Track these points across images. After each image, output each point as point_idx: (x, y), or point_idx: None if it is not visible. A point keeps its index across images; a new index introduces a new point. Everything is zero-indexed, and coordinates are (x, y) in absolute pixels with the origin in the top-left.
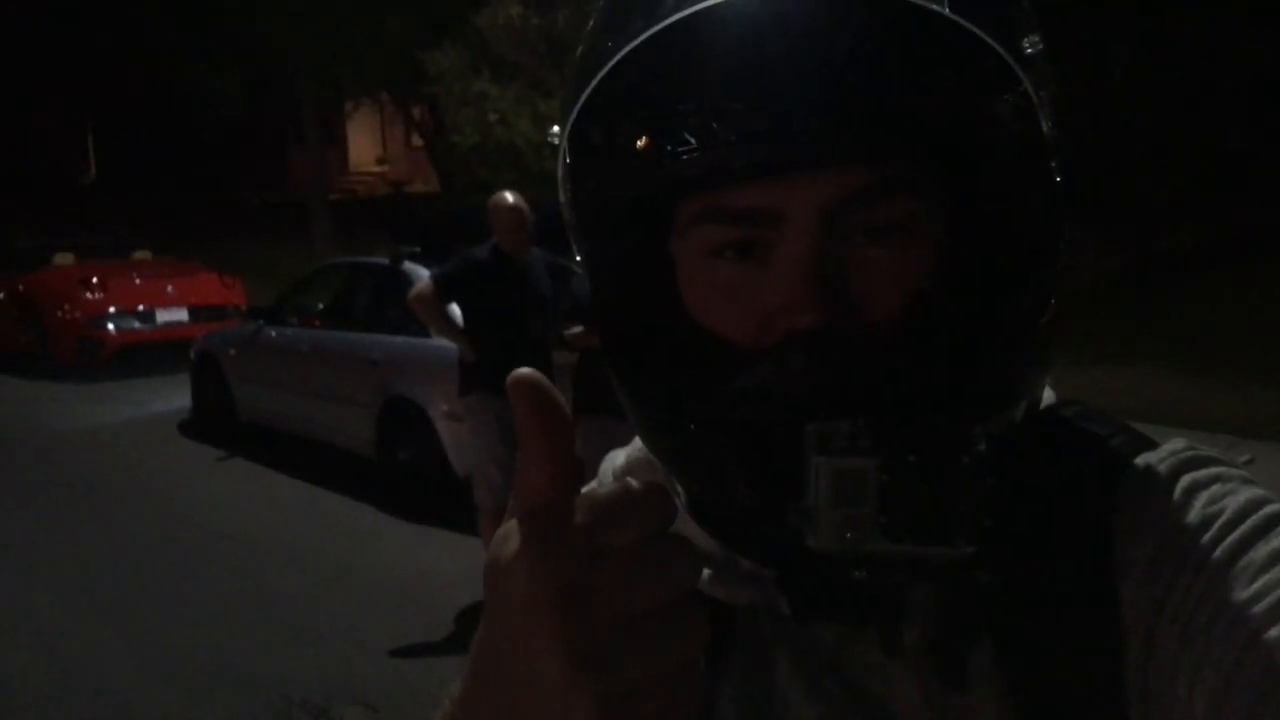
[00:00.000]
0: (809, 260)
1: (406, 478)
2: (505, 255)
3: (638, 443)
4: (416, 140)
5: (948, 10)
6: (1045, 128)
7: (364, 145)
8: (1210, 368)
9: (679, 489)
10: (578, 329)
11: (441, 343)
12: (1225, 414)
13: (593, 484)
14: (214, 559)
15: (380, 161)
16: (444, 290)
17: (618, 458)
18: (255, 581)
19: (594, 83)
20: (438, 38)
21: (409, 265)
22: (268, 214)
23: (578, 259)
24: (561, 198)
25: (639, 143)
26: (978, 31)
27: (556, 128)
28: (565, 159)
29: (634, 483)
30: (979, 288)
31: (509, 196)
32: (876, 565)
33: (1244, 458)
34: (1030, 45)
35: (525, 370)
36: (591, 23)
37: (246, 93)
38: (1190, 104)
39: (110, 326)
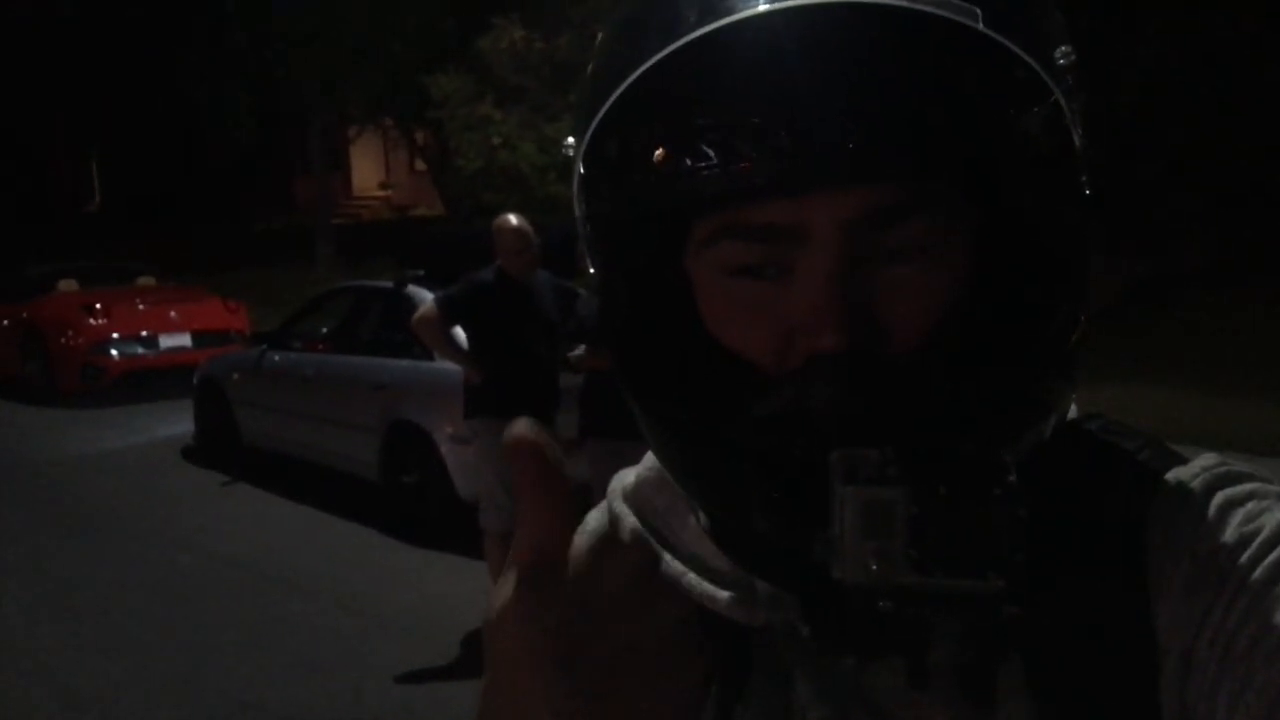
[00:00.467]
0: (833, 278)
1: (412, 502)
2: (510, 278)
3: (648, 460)
4: (420, 165)
5: (981, 25)
6: (1077, 142)
7: (368, 170)
8: (1222, 385)
9: (699, 510)
10: (582, 351)
11: (446, 366)
12: (1237, 431)
13: (598, 509)
14: (219, 586)
15: (384, 186)
16: (448, 313)
17: (627, 477)
18: (260, 608)
19: (614, 96)
20: (441, 62)
21: (413, 289)
22: (271, 239)
23: (591, 273)
24: (576, 211)
25: (658, 157)
26: (1012, 46)
27: (571, 139)
28: (580, 172)
29: (627, 521)
30: (1008, 307)
31: (513, 219)
32: (904, 597)
33: None
34: (1063, 57)
35: (522, 426)
36: (603, 36)
37: (252, 118)
38: (1201, 120)
39: (113, 352)
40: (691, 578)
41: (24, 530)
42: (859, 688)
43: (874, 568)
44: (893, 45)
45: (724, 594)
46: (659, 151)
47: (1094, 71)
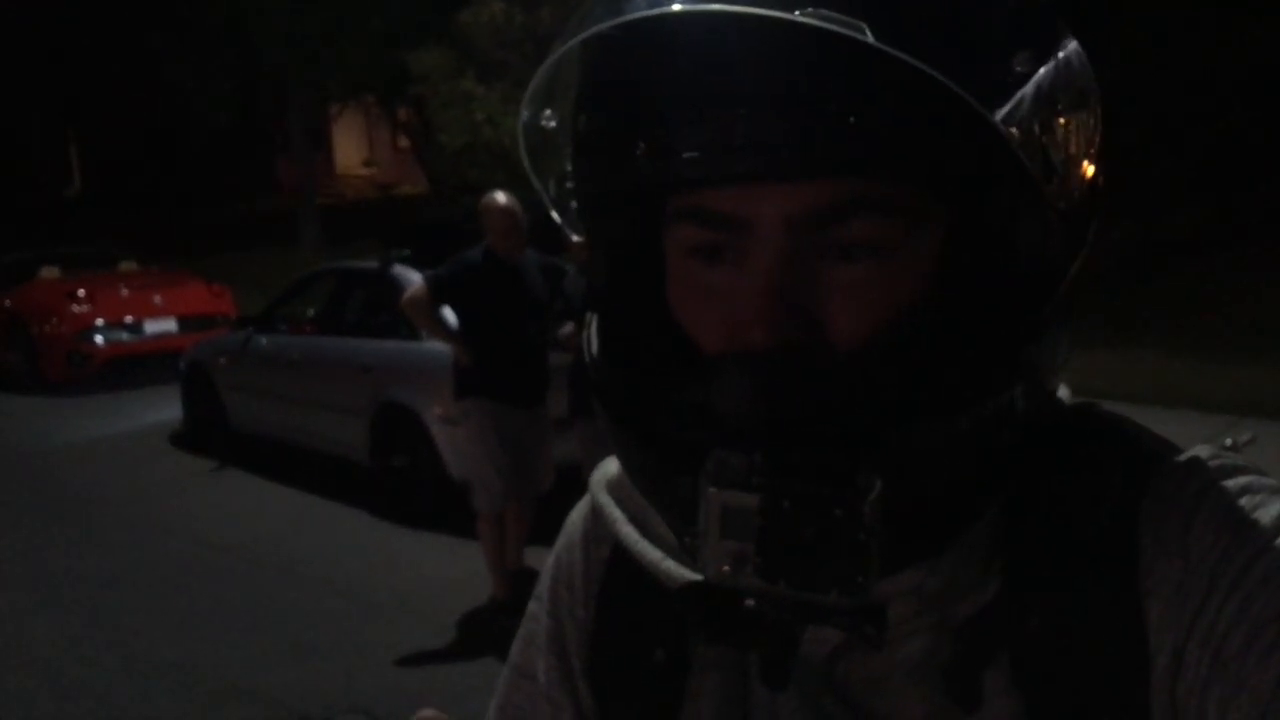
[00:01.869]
0: (770, 273)
1: (402, 484)
2: (498, 257)
3: None
4: (403, 142)
5: (869, 38)
6: (1025, 158)
7: (350, 148)
8: (1211, 349)
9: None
10: (570, 329)
11: (435, 346)
12: (1226, 394)
13: (582, 502)
14: (210, 572)
15: (367, 164)
16: (437, 293)
17: (609, 467)
18: (252, 593)
19: (552, 59)
20: (421, 38)
21: (399, 269)
22: (255, 221)
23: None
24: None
25: (618, 140)
26: (905, 58)
27: (548, 110)
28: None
29: (609, 512)
30: (947, 322)
31: (500, 198)
32: (763, 600)
33: (1245, 436)
34: (1021, 64)
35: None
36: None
37: (233, 99)
38: (1189, 88)
39: (98, 339)
40: (670, 565)
41: (12, 520)
42: (830, 679)
43: (726, 569)
44: (803, 54)
45: (700, 579)
46: (597, 132)
47: (1082, 43)
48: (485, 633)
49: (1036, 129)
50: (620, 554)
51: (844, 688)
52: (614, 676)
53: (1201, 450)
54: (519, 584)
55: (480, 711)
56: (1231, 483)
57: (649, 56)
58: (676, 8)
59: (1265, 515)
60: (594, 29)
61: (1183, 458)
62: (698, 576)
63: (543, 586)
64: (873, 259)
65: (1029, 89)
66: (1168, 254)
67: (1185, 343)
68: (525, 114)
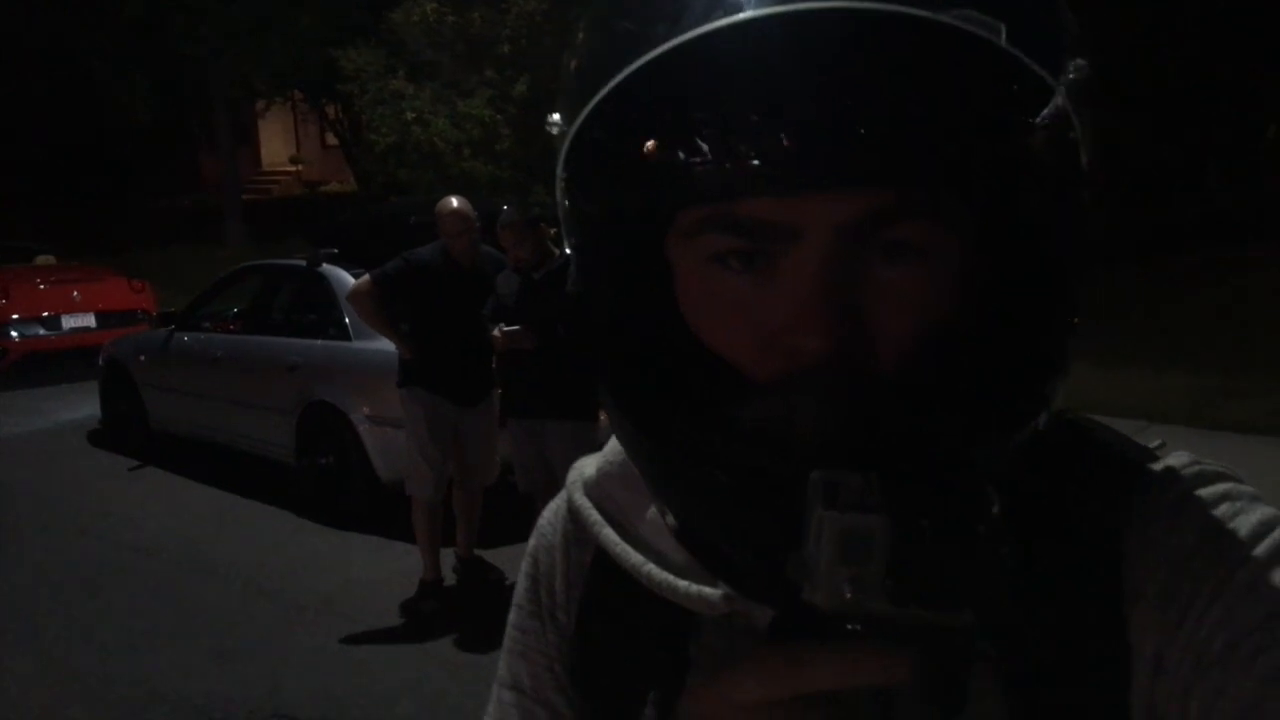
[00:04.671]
0: (820, 277)
1: (328, 485)
2: (452, 258)
3: (611, 448)
4: (331, 139)
5: (1004, 40)
6: (1083, 157)
7: (277, 144)
8: (1119, 355)
9: (668, 514)
10: (501, 330)
11: (363, 346)
12: (1134, 401)
13: (556, 501)
14: (129, 574)
15: (294, 161)
16: (382, 289)
17: (587, 468)
18: (172, 596)
19: (612, 83)
20: (351, 35)
21: (328, 268)
22: (178, 217)
23: (569, 252)
24: (557, 192)
25: (650, 149)
26: (1031, 63)
27: (557, 116)
28: (566, 154)
29: (586, 514)
30: (1003, 316)
31: (454, 201)
32: (874, 623)
33: (1155, 443)
34: (1075, 70)
35: None
36: (598, 12)
37: (153, 93)
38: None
39: (13, 334)
40: (652, 569)
41: None
42: None
43: (848, 595)
44: (904, 54)
45: (683, 584)
46: (654, 145)
47: None
48: (414, 632)
49: (1078, 132)
50: (604, 558)
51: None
52: (602, 679)
53: (1181, 457)
54: (469, 573)
55: (409, 713)
56: (1212, 490)
57: (717, 66)
58: (770, 10)
59: (1245, 522)
60: (695, 33)
61: (1164, 464)
62: (681, 583)
63: (521, 593)
64: (917, 261)
65: (1080, 95)
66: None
67: (1094, 349)
68: (566, 123)
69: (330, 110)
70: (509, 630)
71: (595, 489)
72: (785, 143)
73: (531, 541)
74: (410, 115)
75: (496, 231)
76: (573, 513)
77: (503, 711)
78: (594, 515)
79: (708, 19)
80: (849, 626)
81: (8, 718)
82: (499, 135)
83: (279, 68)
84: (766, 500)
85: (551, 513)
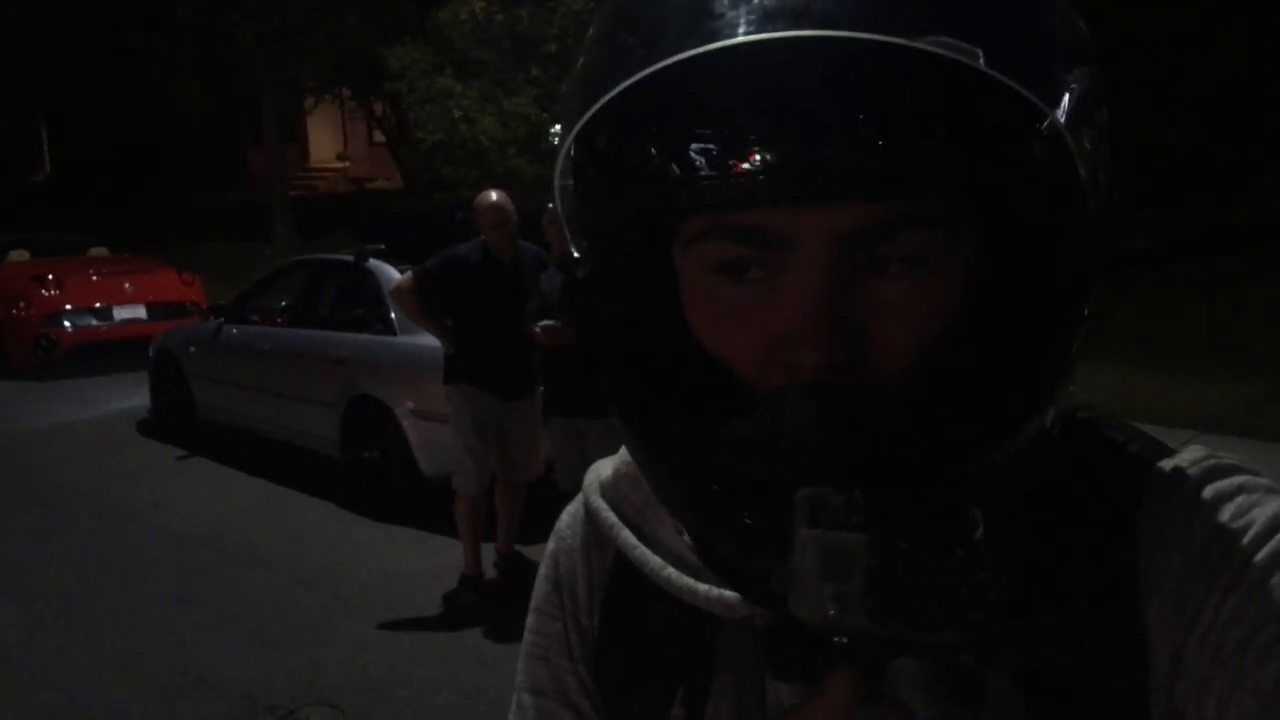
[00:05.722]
0: (818, 291)
1: (372, 478)
2: (491, 253)
3: (625, 452)
4: (378, 137)
5: (983, 64)
6: (1082, 170)
7: (324, 141)
8: (1169, 362)
9: (668, 514)
10: (546, 325)
11: (407, 341)
12: (1183, 408)
13: (574, 504)
14: (176, 561)
15: (341, 157)
16: (425, 286)
17: (604, 470)
18: (217, 584)
19: (614, 91)
20: (399, 33)
21: (374, 263)
22: (227, 211)
23: (575, 256)
24: (556, 198)
25: (650, 160)
26: (1012, 84)
27: (559, 126)
28: (568, 161)
29: (604, 517)
30: (997, 332)
31: (492, 195)
32: (859, 638)
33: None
34: (1077, 80)
35: None
36: (605, 21)
37: (207, 91)
38: (1144, 105)
39: (66, 324)
40: (671, 572)
41: None
42: None
43: (830, 611)
44: (887, 76)
45: (703, 587)
46: (652, 155)
47: None
48: (453, 624)
49: (1086, 143)
50: (624, 560)
51: None
52: (625, 682)
53: (1196, 450)
54: (509, 568)
55: (448, 703)
56: (1227, 482)
57: (717, 81)
58: (773, 35)
59: (1262, 514)
60: (698, 50)
61: (1178, 458)
62: (700, 587)
63: (541, 597)
64: (916, 273)
65: (1084, 103)
66: (1123, 269)
67: (1143, 356)
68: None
69: (377, 108)
70: (528, 635)
71: (612, 491)
72: (782, 154)
73: (550, 545)
74: (457, 113)
75: (544, 227)
76: (590, 516)
77: (524, 715)
78: (611, 518)
79: (697, 41)
80: (835, 639)
81: (58, 699)
82: (545, 133)
83: (327, 65)
84: (757, 512)
85: (570, 516)
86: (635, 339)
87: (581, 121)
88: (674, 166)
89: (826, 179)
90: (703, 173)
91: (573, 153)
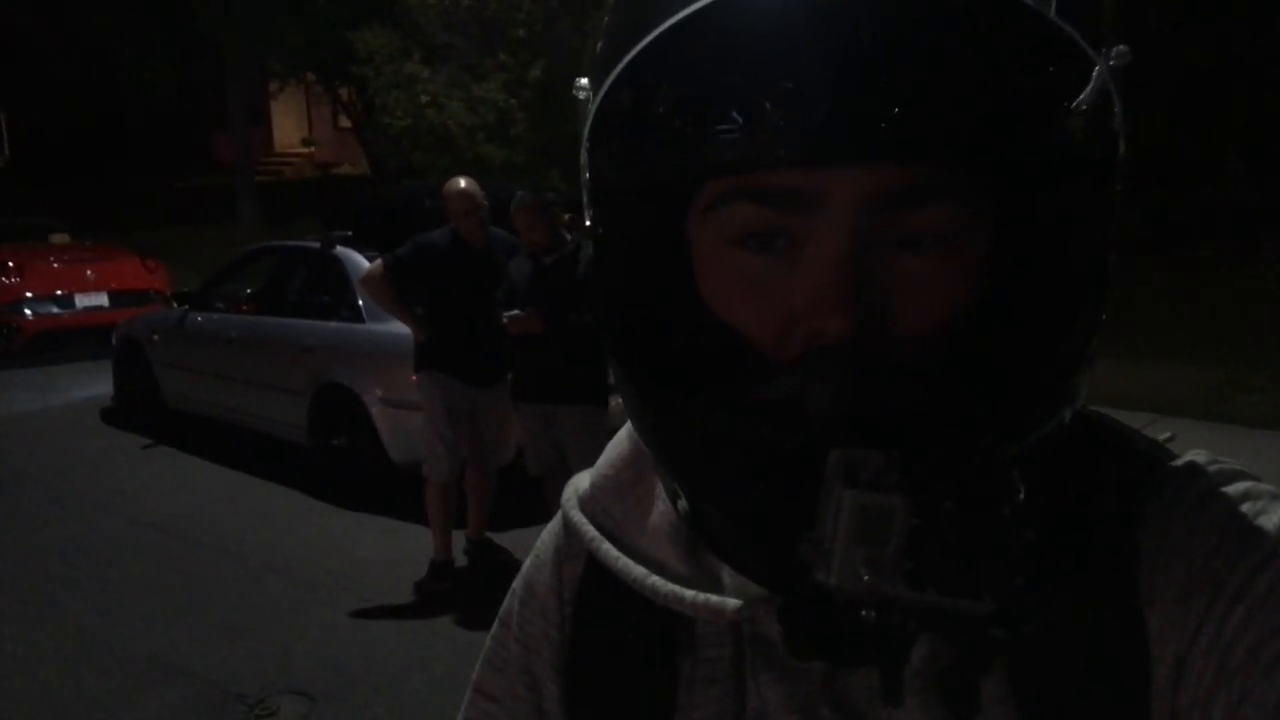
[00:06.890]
0: (843, 260)
1: (341, 465)
2: (462, 240)
3: (605, 459)
4: (344, 121)
5: (1053, 13)
6: (1121, 145)
7: (290, 126)
8: (1131, 348)
9: (679, 493)
10: (516, 314)
11: (376, 329)
12: (1144, 393)
13: (554, 521)
14: (143, 550)
15: (306, 143)
16: (396, 273)
17: (581, 483)
18: (185, 572)
19: (641, 45)
20: (367, 17)
21: (342, 250)
22: (191, 197)
23: (588, 225)
24: (581, 160)
25: (679, 117)
26: (1080, 40)
27: (585, 81)
28: (592, 121)
29: (584, 531)
30: (1026, 309)
31: (461, 181)
32: (889, 609)
33: (1165, 435)
34: (1117, 57)
35: None
36: None
37: (171, 74)
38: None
39: (27, 311)
40: (655, 580)
41: None
42: (832, 691)
43: (864, 576)
44: (954, 26)
45: (690, 593)
46: (682, 111)
47: None
48: (424, 611)
49: (1118, 119)
50: (595, 569)
51: (844, 697)
52: (596, 697)
53: (1199, 455)
54: (480, 554)
55: (419, 691)
56: (1231, 489)
57: (749, 31)
58: None
59: (1268, 522)
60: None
61: (1181, 463)
62: (688, 593)
63: (510, 610)
64: (941, 249)
65: (1120, 84)
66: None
67: (1105, 341)
68: (593, 93)
69: (343, 92)
70: (489, 642)
71: (591, 503)
72: (815, 112)
73: (526, 562)
74: (425, 99)
75: (510, 215)
76: (568, 530)
77: (473, 713)
78: (590, 531)
79: None
80: (863, 613)
81: (26, 687)
82: (513, 120)
83: (294, 48)
84: (781, 479)
85: (547, 532)
86: (648, 308)
87: (618, 70)
88: (706, 122)
89: (861, 136)
90: (734, 129)
91: (596, 119)
